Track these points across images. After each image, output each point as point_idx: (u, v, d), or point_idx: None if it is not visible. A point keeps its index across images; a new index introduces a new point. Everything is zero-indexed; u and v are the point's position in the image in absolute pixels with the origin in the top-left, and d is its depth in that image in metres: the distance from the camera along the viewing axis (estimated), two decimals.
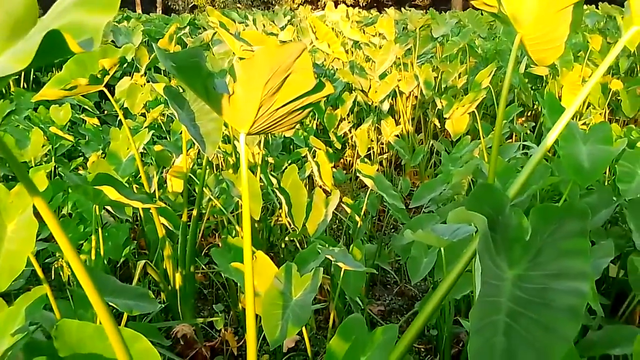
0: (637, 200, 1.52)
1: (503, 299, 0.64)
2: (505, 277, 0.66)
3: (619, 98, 2.96)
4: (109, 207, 1.65)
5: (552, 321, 0.61)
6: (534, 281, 0.65)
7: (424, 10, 8.15)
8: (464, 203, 0.72)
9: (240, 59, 1.96)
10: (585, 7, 3.41)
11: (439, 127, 3.31)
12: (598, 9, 5.37)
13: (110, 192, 1.15)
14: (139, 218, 2.00)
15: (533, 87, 3.53)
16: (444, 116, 2.58)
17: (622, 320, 1.50)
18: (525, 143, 2.18)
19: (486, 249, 0.65)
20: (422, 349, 1.65)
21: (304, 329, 1.24)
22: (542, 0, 0.80)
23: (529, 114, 3.46)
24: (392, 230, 2.50)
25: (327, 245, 1.44)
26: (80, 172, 2.08)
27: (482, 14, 4.22)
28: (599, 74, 0.76)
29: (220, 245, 2.07)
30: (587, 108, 2.92)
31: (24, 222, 0.97)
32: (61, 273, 1.35)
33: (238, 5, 22.70)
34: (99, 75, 1.47)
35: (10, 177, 2.33)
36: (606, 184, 1.94)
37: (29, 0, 0.43)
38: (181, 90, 1.51)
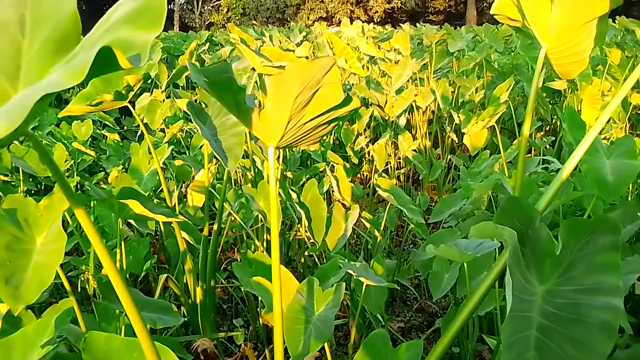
0: None
1: (534, 313, 0.64)
2: (536, 291, 0.65)
3: (639, 112, 2.93)
4: (130, 222, 1.67)
5: (585, 337, 0.60)
6: (565, 296, 0.64)
7: (439, 26, 8.19)
8: (485, 218, 0.71)
9: (260, 74, 1.99)
10: None
11: (457, 141, 3.30)
12: (615, 22, 5.34)
13: (135, 206, 1.16)
14: (158, 233, 2.02)
15: (551, 102, 3.52)
16: (462, 131, 2.58)
17: None
18: (545, 157, 2.16)
19: (516, 264, 0.64)
20: None
21: (326, 345, 1.23)
22: (567, 13, 0.80)
23: (547, 128, 3.44)
24: (411, 246, 2.49)
25: (347, 260, 1.44)
26: (102, 187, 2.11)
27: (497, 29, 4.23)
28: (627, 89, 0.76)
29: (239, 259, 2.08)
30: (607, 122, 2.89)
31: (53, 234, 0.98)
32: (87, 286, 1.36)
33: (253, 22, 23.03)
34: (123, 92, 1.51)
35: (33, 191, 2.37)
36: (629, 199, 1.91)
37: (73, 16, 0.45)
38: (203, 106, 1.54)
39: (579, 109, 2.89)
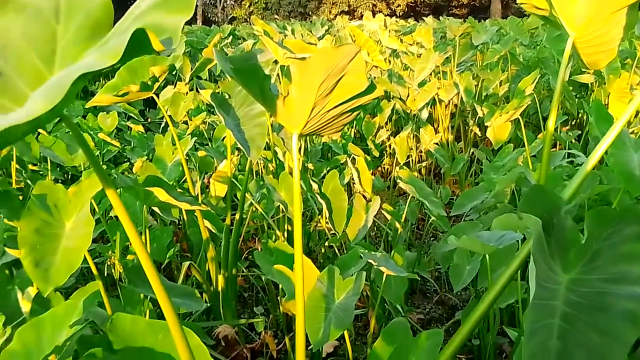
0: None
1: (558, 302, 0.63)
2: (560, 280, 0.65)
3: None
4: (154, 211, 1.70)
5: (610, 326, 0.59)
6: (590, 285, 0.64)
7: (462, 19, 8.09)
8: (507, 211, 0.71)
9: (282, 67, 1.99)
10: None
11: (480, 135, 3.26)
12: None
13: (160, 194, 1.19)
14: (180, 222, 2.06)
15: (577, 95, 3.45)
16: (485, 124, 2.55)
17: None
18: (570, 151, 2.13)
19: (540, 252, 0.64)
20: (464, 359, 1.63)
21: (345, 333, 1.24)
22: (596, 1, 0.79)
23: (573, 122, 3.38)
24: (432, 238, 2.48)
25: (367, 251, 1.44)
26: (127, 176, 2.15)
27: (523, 22, 4.15)
28: None
29: (260, 249, 2.10)
30: (635, 116, 2.82)
31: (81, 219, 1.01)
32: (113, 271, 1.40)
33: (275, 16, 23.07)
34: (149, 82, 1.53)
35: (60, 180, 2.43)
36: None
37: (106, 5, 0.46)
38: (226, 97, 1.55)
39: (607, 102, 2.83)
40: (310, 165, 2.39)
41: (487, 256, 1.28)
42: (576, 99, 3.17)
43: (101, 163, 2.52)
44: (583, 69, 3.14)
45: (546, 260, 0.63)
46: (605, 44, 0.89)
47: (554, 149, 2.75)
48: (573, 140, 2.57)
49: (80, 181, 1.10)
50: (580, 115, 3.32)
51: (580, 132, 2.88)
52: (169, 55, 2.79)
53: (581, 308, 0.61)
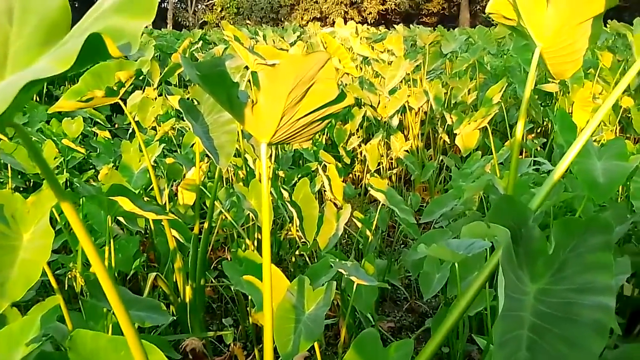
0: None
1: (526, 313, 0.63)
2: (528, 290, 0.65)
3: (629, 115, 2.95)
4: (120, 220, 1.65)
5: (577, 336, 0.59)
6: (558, 295, 0.64)
7: (432, 27, 8.22)
8: (476, 218, 0.71)
9: (253, 72, 1.97)
10: None
11: (449, 142, 3.31)
12: (607, 26, 5.39)
13: (125, 203, 1.15)
14: (148, 231, 2.01)
15: (542, 104, 3.53)
16: (455, 132, 2.58)
17: (639, 339, 1.47)
18: (536, 159, 2.17)
19: (509, 263, 0.64)
20: None
21: (315, 344, 1.23)
22: (563, 12, 0.80)
23: (538, 130, 3.46)
24: (402, 246, 2.49)
25: (338, 260, 1.43)
26: (92, 184, 2.09)
27: (490, 31, 4.25)
28: (619, 92, 0.76)
29: (229, 258, 2.07)
30: (598, 125, 2.91)
31: (40, 231, 0.97)
32: (74, 284, 1.35)
33: (247, 21, 22.99)
34: (114, 88, 1.49)
35: (22, 188, 2.34)
36: (619, 201, 1.92)
37: (63, 5, 0.44)
38: (195, 103, 1.52)
39: (571, 111, 2.90)
40: (281, 173, 2.37)
41: (456, 264, 1.28)
42: (541, 108, 3.25)
43: (65, 170, 2.45)
44: (549, 79, 3.22)
45: (514, 271, 0.63)
46: (572, 54, 0.91)
47: (520, 157, 2.80)
48: (538, 148, 2.63)
49: (40, 190, 1.06)
50: (545, 124, 3.40)
51: (545, 139, 2.94)
52: (136, 60, 2.74)
53: (549, 319, 0.61)
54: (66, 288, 1.54)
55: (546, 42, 0.84)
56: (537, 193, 0.84)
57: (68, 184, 2.38)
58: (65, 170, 2.44)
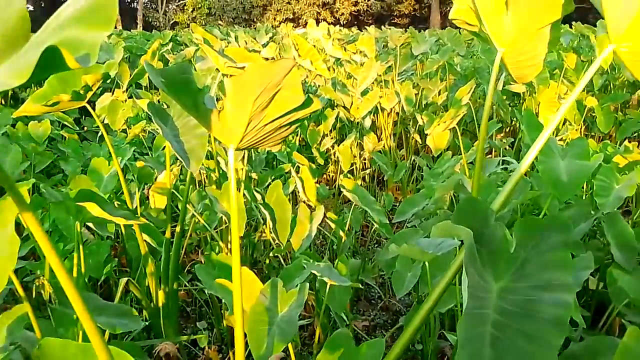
0: (614, 214, 1.56)
1: (489, 311, 0.65)
2: (491, 289, 0.67)
3: (593, 114, 3.05)
4: (89, 224, 1.63)
5: (537, 331, 0.62)
6: (519, 293, 0.66)
7: (404, 29, 8.31)
8: (446, 217, 0.73)
9: (224, 75, 1.97)
10: None
11: (420, 142, 3.35)
12: (572, 28, 5.54)
13: (93, 209, 1.13)
14: (119, 235, 1.98)
15: (511, 104, 3.61)
16: (425, 132, 2.62)
17: (603, 331, 1.52)
18: (504, 158, 2.22)
19: (472, 262, 0.66)
20: None
21: (290, 345, 1.23)
22: (522, 19, 0.83)
23: (507, 129, 3.54)
24: (376, 245, 2.51)
25: (311, 261, 1.44)
26: (60, 189, 2.05)
27: (460, 33, 4.32)
28: (578, 91, 0.79)
29: (203, 262, 2.05)
30: (563, 124, 2.99)
31: (5, 238, 0.95)
32: (42, 291, 1.32)
33: (219, 22, 22.79)
34: (81, 91, 1.46)
35: None
36: (584, 198, 1.98)
37: (21, 14, 0.44)
38: (165, 107, 1.51)
39: (537, 111, 2.98)
40: (254, 175, 2.37)
41: (426, 263, 1.31)
42: (509, 108, 3.32)
43: (32, 175, 2.39)
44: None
45: (478, 270, 0.65)
46: (532, 59, 0.94)
47: (489, 156, 2.86)
48: (507, 147, 2.68)
49: (4, 198, 1.04)
50: (513, 123, 3.48)
51: (513, 139, 3.01)
52: (103, 63, 2.69)
53: (511, 315, 0.63)
54: (35, 296, 1.51)
55: (507, 47, 0.87)
56: (501, 191, 0.86)
57: (35, 189, 2.33)
58: (32, 175, 2.38)
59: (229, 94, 0.62)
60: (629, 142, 2.67)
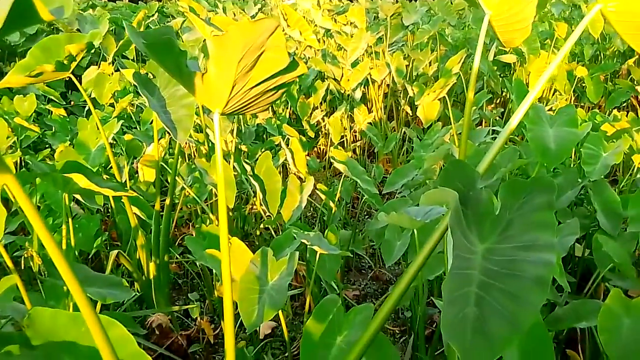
0: (601, 181, 1.57)
1: (474, 271, 0.66)
2: (476, 250, 0.68)
3: (584, 84, 3.05)
4: (79, 199, 1.62)
5: (520, 290, 0.63)
6: (503, 253, 0.67)
7: None
8: (436, 187, 0.73)
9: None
10: None
11: (411, 114, 3.34)
12: None
13: (80, 180, 1.13)
14: (109, 210, 1.97)
15: (501, 75, 3.60)
16: (416, 103, 2.61)
17: (588, 297, 1.56)
18: (494, 128, 2.23)
19: (458, 224, 0.66)
20: (397, 331, 1.68)
21: (280, 314, 1.25)
22: None
23: (497, 100, 3.53)
24: (366, 216, 2.53)
25: (302, 231, 1.45)
26: (47, 162, 2.03)
27: (451, 3, 4.26)
28: (565, 50, 0.78)
29: (194, 234, 2.06)
30: (553, 94, 2.99)
31: None
32: (31, 263, 1.32)
33: None
34: (65, 62, 1.44)
35: None
36: (572, 166, 2.00)
37: None
38: (151, 77, 1.49)
39: (527, 81, 2.97)
40: (244, 147, 2.36)
41: (415, 231, 1.32)
42: (500, 78, 3.31)
43: (19, 149, 2.36)
44: (501, 48, 3.27)
45: (463, 232, 0.66)
46: (519, 22, 0.93)
47: (479, 127, 2.86)
48: (497, 118, 2.69)
49: None
50: (504, 94, 3.47)
51: (503, 110, 3.01)
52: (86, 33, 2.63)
53: (495, 275, 0.64)
54: (24, 269, 1.51)
55: (494, 10, 0.86)
56: (487, 154, 0.86)
57: (22, 164, 2.30)
58: (19, 149, 2.35)
59: (212, 56, 0.61)
60: (618, 111, 2.68)
